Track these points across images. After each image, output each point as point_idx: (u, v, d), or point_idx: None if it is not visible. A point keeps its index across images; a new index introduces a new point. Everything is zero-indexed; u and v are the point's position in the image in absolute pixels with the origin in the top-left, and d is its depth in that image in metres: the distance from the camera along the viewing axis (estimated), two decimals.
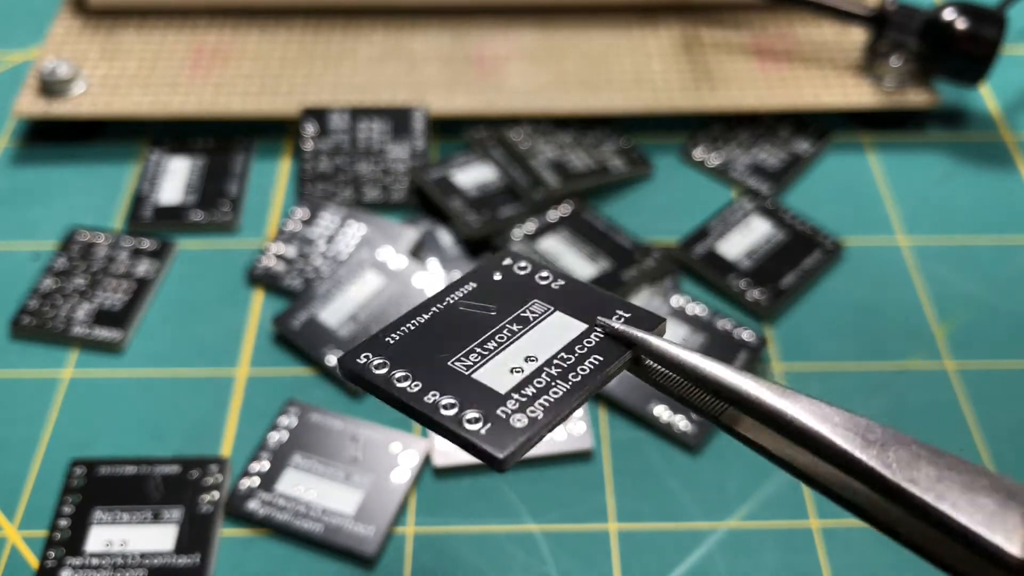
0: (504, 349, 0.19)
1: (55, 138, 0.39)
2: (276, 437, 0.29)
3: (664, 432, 0.30)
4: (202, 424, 0.30)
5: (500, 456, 0.17)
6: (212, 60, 0.39)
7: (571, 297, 0.20)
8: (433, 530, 0.28)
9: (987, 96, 0.40)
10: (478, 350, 0.19)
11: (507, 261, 0.21)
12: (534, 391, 0.18)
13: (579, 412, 0.30)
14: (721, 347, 0.31)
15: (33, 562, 0.27)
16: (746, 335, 0.32)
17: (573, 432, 0.29)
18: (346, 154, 0.37)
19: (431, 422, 0.18)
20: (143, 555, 0.27)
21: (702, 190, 0.37)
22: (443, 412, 0.18)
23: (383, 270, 0.33)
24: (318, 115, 0.37)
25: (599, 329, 0.19)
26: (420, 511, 0.28)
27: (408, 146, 0.37)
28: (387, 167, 0.37)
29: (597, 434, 0.30)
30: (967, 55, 0.37)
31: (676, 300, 0.33)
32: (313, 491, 0.28)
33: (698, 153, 0.38)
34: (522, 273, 0.21)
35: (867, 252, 0.35)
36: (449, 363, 0.19)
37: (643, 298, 0.33)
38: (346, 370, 0.19)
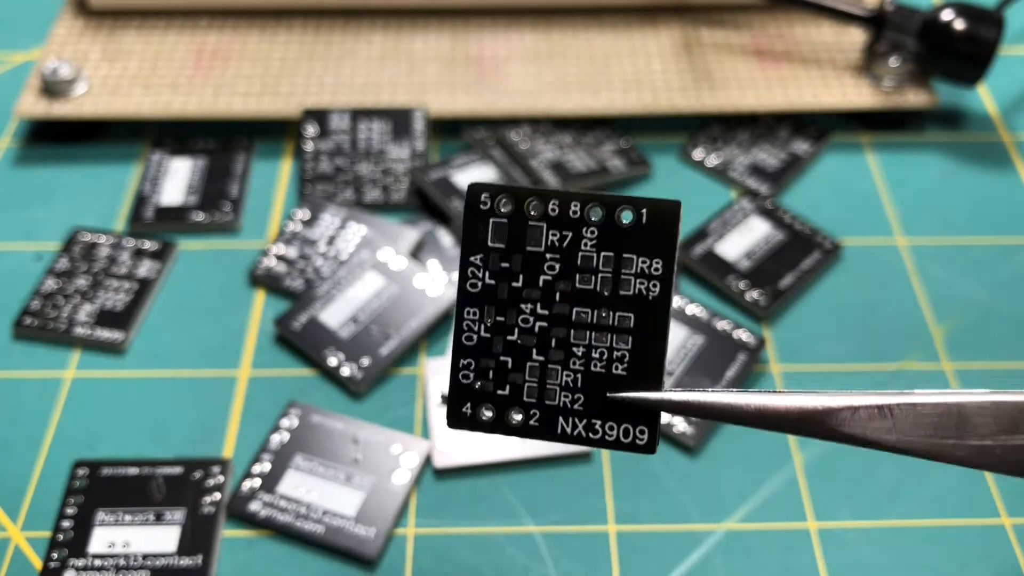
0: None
1: (57, 139, 0.39)
2: (277, 438, 0.29)
3: (663, 433, 0.30)
4: (204, 425, 0.30)
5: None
6: (213, 61, 0.39)
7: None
8: (434, 531, 0.28)
9: (985, 97, 0.40)
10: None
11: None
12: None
13: None
14: (720, 348, 0.31)
15: (37, 563, 0.27)
16: (745, 336, 0.32)
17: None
18: (346, 155, 0.37)
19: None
20: (145, 556, 0.27)
21: (701, 190, 0.37)
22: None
23: (384, 271, 0.33)
24: (318, 116, 0.37)
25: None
26: (421, 512, 0.28)
27: (408, 147, 0.37)
28: (387, 168, 0.37)
29: None
30: (965, 56, 0.37)
31: (675, 301, 0.33)
32: (314, 492, 0.28)
33: (697, 153, 0.38)
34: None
35: (865, 253, 0.35)
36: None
37: None
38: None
